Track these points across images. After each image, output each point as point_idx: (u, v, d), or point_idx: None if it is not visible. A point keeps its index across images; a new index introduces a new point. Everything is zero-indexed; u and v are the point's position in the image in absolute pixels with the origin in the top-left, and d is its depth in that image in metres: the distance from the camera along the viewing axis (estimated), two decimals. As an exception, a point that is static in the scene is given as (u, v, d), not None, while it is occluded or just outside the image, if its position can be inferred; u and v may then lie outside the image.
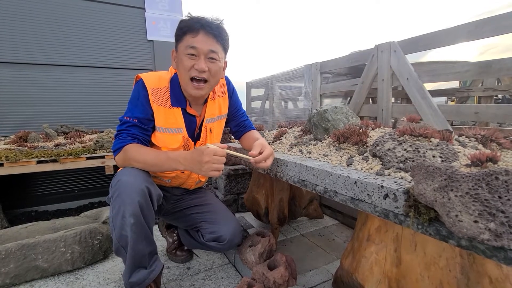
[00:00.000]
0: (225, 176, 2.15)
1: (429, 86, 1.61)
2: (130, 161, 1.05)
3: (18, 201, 2.42)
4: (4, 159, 1.78)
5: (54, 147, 2.01)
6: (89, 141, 2.21)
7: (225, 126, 1.40)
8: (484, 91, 2.80)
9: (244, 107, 1.45)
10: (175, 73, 1.15)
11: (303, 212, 1.86)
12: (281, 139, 1.44)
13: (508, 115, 1.22)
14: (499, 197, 0.49)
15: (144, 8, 2.87)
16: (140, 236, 1.01)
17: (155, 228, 1.76)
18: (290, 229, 1.89)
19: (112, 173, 2.01)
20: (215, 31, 1.04)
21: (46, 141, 2.17)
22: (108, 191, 1.08)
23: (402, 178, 0.74)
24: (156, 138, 1.14)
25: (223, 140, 2.07)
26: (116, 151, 1.07)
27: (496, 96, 4.34)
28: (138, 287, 1.06)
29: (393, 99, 2.05)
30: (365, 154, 0.94)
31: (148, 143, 1.14)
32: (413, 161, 0.78)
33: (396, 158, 0.81)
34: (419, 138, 0.85)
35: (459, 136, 0.94)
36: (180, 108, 1.15)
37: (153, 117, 1.11)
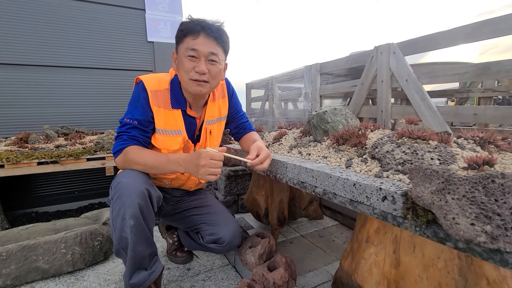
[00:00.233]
0: (225, 177, 2.16)
1: (428, 86, 1.61)
2: (130, 163, 1.05)
3: (18, 202, 2.43)
4: (4, 161, 1.78)
5: (54, 149, 2.01)
6: (89, 142, 2.22)
7: (225, 128, 1.40)
8: (484, 92, 2.80)
9: (244, 108, 1.46)
10: (175, 75, 1.16)
11: (303, 213, 1.86)
12: (281, 141, 1.44)
13: (506, 117, 1.23)
14: (495, 200, 0.50)
15: (144, 10, 2.88)
16: (140, 238, 1.01)
17: (155, 229, 1.77)
18: (290, 230, 1.90)
19: (113, 174, 2.02)
20: (215, 34, 1.05)
21: (47, 143, 2.18)
22: (108, 192, 1.09)
23: (400, 180, 0.74)
24: (156, 140, 1.15)
25: (223, 141, 2.07)
26: (116, 153, 1.07)
27: (496, 96, 4.34)
28: (139, 289, 1.06)
29: (392, 100, 2.05)
30: (364, 156, 0.94)
31: (148, 145, 1.15)
32: (412, 163, 0.78)
33: (395, 160, 0.82)
34: (418, 140, 0.86)
35: (457, 138, 0.94)
36: (180, 110, 1.16)
37: (153, 119, 1.12)
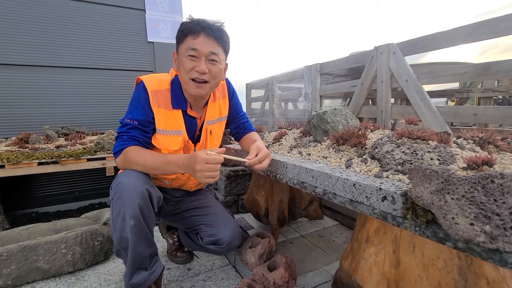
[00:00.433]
0: (225, 177, 2.16)
1: (428, 87, 1.62)
2: (130, 164, 1.06)
3: (19, 203, 2.43)
4: (5, 161, 1.78)
5: (55, 149, 2.02)
6: (89, 142, 2.22)
7: (225, 128, 1.41)
8: (484, 92, 2.81)
9: (244, 108, 1.46)
10: (176, 75, 1.16)
11: (303, 213, 1.86)
12: (281, 141, 1.44)
13: (506, 117, 1.23)
14: (495, 200, 0.50)
15: (144, 10, 2.88)
16: (140, 238, 1.01)
17: (156, 229, 1.77)
18: (290, 230, 1.90)
19: (113, 174, 2.02)
20: (216, 33, 1.05)
21: (47, 143, 2.18)
22: (108, 192, 1.09)
23: (400, 180, 0.74)
24: (156, 140, 1.15)
25: (223, 142, 2.07)
26: (116, 153, 1.08)
27: (496, 96, 4.34)
28: (139, 289, 1.07)
29: (392, 100, 2.06)
30: (364, 156, 0.94)
31: (149, 145, 1.15)
32: (411, 163, 0.78)
33: (395, 160, 0.82)
34: (417, 140, 0.86)
35: (457, 138, 0.95)
36: (180, 110, 1.16)
37: (153, 119, 1.12)
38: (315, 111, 1.33)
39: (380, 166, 0.85)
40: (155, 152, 1.11)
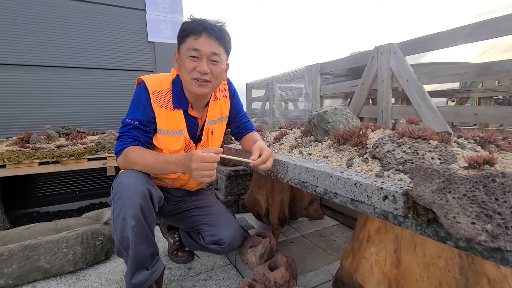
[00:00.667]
0: (226, 177, 2.16)
1: (429, 86, 1.62)
2: (130, 164, 1.06)
3: (20, 202, 2.43)
4: (6, 161, 1.79)
5: (56, 149, 2.02)
6: (90, 142, 2.22)
7: (226, 128, 1.41)
8: (484, 92, 2.81)
9: (244, 108, 1.47)
10: (177, 75, 1.16)
11: (303, 213, 1.86)
12: (282, 141, 1.44)
13: (507, 117, 1.23)
14: (496, 199, 0.50)
15: (145, 10, 2.88)
16: (141, 238, 1.02)
17: (157, 228, 1.77)
18: (290, 229, 1.90)
19: (114, 174, 2.02)
20: (217, 34, 1.05)
21: (48, 143, 2.18)
22: (109, 192, 1.09)
23: (401, 180, 0.74)
24: (157, 140, 1.15)
25: (224, 141, 2.08)
26: (117, 153, 1.08)
27: (497, 96, 4.34)
28: (140, 288, 1.07)
29: (393, 100, 2.06)
30: (364, 156, 0.95)
31: (150, 145, 1.15)
32: (412, 163, 0.78)
33: (395, 160, 0.82)
34: (418, 140, 0.86)
35: (458, 138, 0.95)
36: (181, 110, 1.16)
37: (154, 119, 1.12)
38: (316, 111, 1.34)
39: (381, 166, 0.85)
40: (155, 152, 1.11)
